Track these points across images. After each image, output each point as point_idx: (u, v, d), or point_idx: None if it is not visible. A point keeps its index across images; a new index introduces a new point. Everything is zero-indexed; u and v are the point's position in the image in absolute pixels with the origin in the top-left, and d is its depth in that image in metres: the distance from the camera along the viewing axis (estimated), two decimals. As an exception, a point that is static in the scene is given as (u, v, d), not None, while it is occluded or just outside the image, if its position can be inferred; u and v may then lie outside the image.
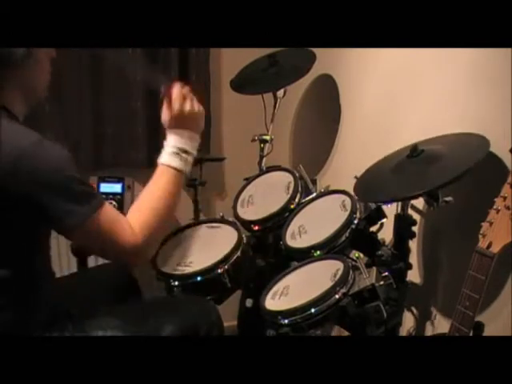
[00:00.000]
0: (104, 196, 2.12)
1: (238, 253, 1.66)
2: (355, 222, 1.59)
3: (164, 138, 1.45)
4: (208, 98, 2.55)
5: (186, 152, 1.40)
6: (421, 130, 1.62)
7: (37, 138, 1.19)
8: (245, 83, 2.18)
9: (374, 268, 1.64)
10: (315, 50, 2.05)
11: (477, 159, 1.31)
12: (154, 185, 1.37)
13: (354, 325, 1.43)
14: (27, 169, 1.14)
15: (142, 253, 1.30)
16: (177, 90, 1.44)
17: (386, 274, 1.47)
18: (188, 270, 1.64)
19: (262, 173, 2.04)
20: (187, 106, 1.43)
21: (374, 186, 1.55)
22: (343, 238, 1.58)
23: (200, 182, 2.20)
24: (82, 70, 2.31)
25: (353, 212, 1.60)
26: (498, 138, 1.35)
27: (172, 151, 1.39)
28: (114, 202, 2.11)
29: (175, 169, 1.38)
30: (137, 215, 1.30)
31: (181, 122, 1.41)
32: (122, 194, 2.16)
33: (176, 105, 1.42)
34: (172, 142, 1.41)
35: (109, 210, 1.26)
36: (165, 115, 1.44)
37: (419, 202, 1.66)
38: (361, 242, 1.60)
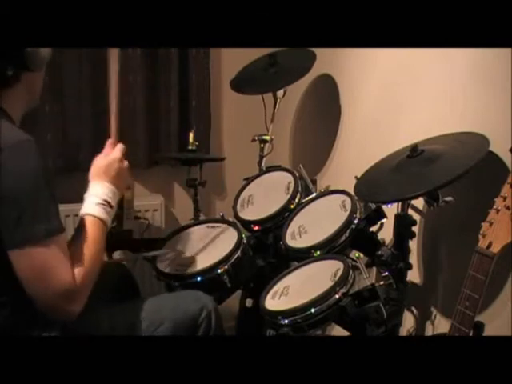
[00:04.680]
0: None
1: (238, 253, 1.66)
2: (355, 221, 1.59)
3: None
4: (208, 98, 2.56)
5: (110, 205, 1.32)
6: (421, 130, 1.62)
7: (24, 139, 1.15)
8: (245, 83, 2.18)
9: (374, 268, 1.64)
10: (315, 50, 2.05)
11: (477, 159, 1.30)
12: (85, 234, 1.25)
13: (354, 325, 1.43)
14: None
15: (78, 300, 1.18)
16: (120, 147, 1.43)
17: (386, 273, 1.47)
18: (188, 270, 1.65)
19: (261, 173, 2.04)
20: (124, 163, 1.41)
21: (374, 186, 1.55)
22: (343, 238, 1.58)
23: (200, 182, 2.20)
24: (82, 70, 2.31)
25: (353, 212, 1.60)
26: (497, 137, 1.35)
27: (99, 202, 1.30)
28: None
29: (102, 220, 1.29)
30: (80, 265, 1.19)
31: (111, 175, 1.36)
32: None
33: (115, 158, 1.39)
34: (99, 193, 1.32)
35: (62, 243, 1.16)
36: (98, 165, 1.38)
37: (419, 202, 1.66)
38: (361, 241, 1.61)
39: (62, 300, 1.15)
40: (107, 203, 1.31)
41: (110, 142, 1.47)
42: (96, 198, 1.30)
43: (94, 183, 1.33)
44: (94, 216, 1.27)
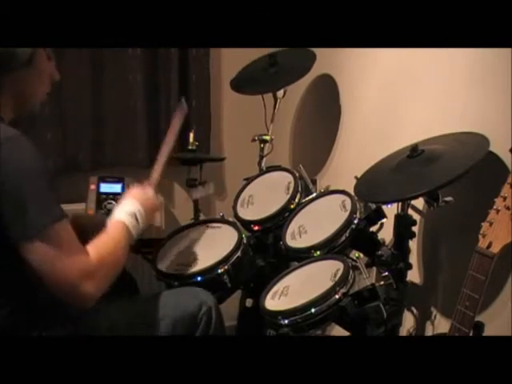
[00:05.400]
0: (104, 196, 2.12)
1: (239, 253, 1.66)
2: (355, 221, 1.59)
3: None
4: (208, 98, 2.56)
5: (137, 220, 1.36)
6: (421, 130, 1.62)
7: (13, 134, 1.16)
8: (245, 83, 2.18)
9: (374, 268, 1.64)
10: (315, 50, 2.05)
11: (477, 159, 1.31)
12: (109, 233, 1.30)
13: (354, 325, 1.43)
14: None
15: (94, 279, 1.19)
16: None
17: (386, 273, 1.47)
18: (188, 270, 1.65)
19: (262, 173, 2.04)
20: (157, 202, 1.50)
21: (374, 186, 1.55)
22: (343, 238, 1.58)
23: (200, 182, 2.20)
24: (81, 70, 2.31)
25: (353, 212, 1.60)
26: (497, 137, 1.35)
27: (128, 213, 1.36)
28: (114, 202, 2.11)
29: (128, 227, 1.33)
30: (95, 248, 1.23)
31: (143, 201, 1.41)
32: (121, 194, 2.15)
33: (151, 192, 1.48)
34: (130, 207, 1.37)
35: (68, 227, 1.19)
36: (134, 190, 1.45)
37: (419, 202, 1.66)
38: (361, 241, 1.61)
39: (79, 278, 1.17)
40: (135, 217, 1.36)
41: (148, 182, 1.54)
42: (126, 209, 1.36)
43: (127, 200, 1.40)
44: (121, 220, 1.33)
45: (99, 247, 1.23)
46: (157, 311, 1.38)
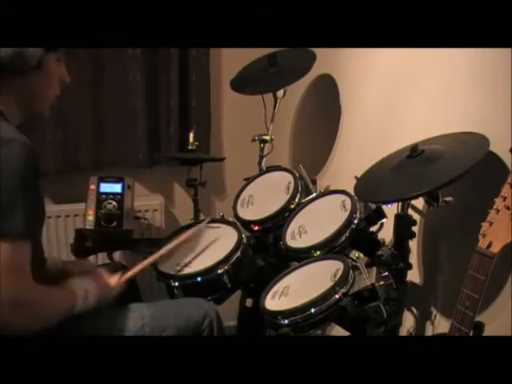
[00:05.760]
0: (104, 196, 2.12)
1: (238, 253, 1.66)
2: (355, 221, 1.59)
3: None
4: (208, 98, 2.56)
5: (87, 299, 1.33)
6: (421, 130, 1.61)
7: (14, 138, 1.17)
8: (245, 83, 2.18)
9: (374, 268, 1.64)
10: (315, 50, 2.05)
11: (477, 159, 1.30)
12: (57, 293, 1.31)
13: (354, 325, 1.43)
14: None
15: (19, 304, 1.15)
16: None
17: (386, 273, 1.47)
18: (188, 270, 1.65)
19: (262, 173, 2.04)
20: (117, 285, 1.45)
21: (374, 186, 1.55)
22: (343, 238, 1.58)
23: (200, 182, 2.20)
24: (82, 70, 2.31)
25: (353, 212, 1.60)
26: (498, 137, 1.35)
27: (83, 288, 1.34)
28: (114, 202, 2.11)
29: (75, 301, 1.30)
30: (44, 288, 1.22)
31: (103, 287, 1.40)
32: (121, 194, 2.16)
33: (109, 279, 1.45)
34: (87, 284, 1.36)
35: (21, 250, 1.16)
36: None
37: (419, 202, 1.66)
38: (361, 241, 1.61)
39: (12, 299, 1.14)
40: (87, 296, 1.33)
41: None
42: (82, 284, 1.34)
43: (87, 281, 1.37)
44: (75, 291, 1.31)
45: (46, 291, 1.23)
46: (160, 320, 1.39)
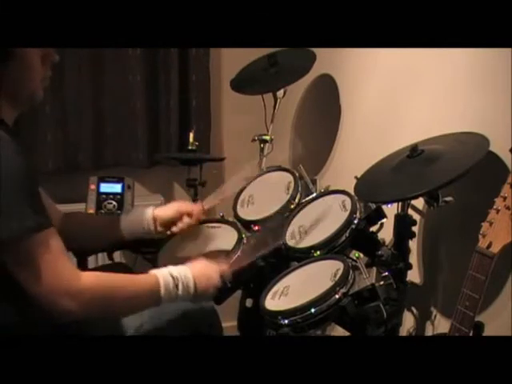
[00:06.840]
0: (104, 196, 2.12)
1: (238, 253, 1.66)
2: (355, 221, 1.58)
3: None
4: (208, 98, 2.56)
5: (176, 286, 1.28)
6: (421, 130, 1.62)
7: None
8: (245, 83, 2.18)
9: (374, 268, 1.64)
10: (315, 50, 2.05)
11: (477, 159, 1.30)
12: (133, 280, 1.27)
13: (354, 325, 1.43)
14: None
15: (76, 299, 1.13)
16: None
17: (386, 273, 1.47)
18: (188, 270, 1.64)
19: (262, 173, 2.04)
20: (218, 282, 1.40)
21: (374, 186, 1.55)
22: (343, 238, 1.57)
23: (200, 182, 2.20)
24: (82, 69, 2.31)
25: (353, 212, 1.59)
26: (498, 137, 1.35)
27: (170, 274, 1.28)
28: (114, 202, 2.11)
29: (158, 290, 1.26)
30: (94, 276, 1.19)
31: (201, 274, 1.35)
32: (121, 194, 2.16)
33: (217, 269, 1.41)
34: (177, 270, 1.30)
35: (44, 239, 1.13)
36: (199, 264, 1.39)
37: (419, 202, 1.66)
38: (361, 241, 1.60)
39: (57, 295, 1.13)
40: (175, 281, 1.27)
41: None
42: (174, 270, 1.29)
43: (185, 268, 1.32)
44: (156, 275, 1.26)
45: (100, 278, 1.20)
46: (159, 319, 1.38)
